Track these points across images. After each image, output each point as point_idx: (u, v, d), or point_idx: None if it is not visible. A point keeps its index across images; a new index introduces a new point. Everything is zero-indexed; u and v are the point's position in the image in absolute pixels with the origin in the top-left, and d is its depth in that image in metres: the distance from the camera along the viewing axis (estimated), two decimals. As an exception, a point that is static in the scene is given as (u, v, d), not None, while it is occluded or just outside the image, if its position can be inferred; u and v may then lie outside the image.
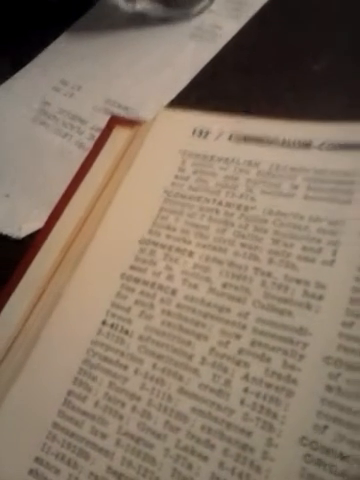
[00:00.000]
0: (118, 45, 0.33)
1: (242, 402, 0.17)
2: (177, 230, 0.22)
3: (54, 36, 0.34)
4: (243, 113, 0.25)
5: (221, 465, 0.16)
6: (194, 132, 0.25)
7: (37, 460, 0.18)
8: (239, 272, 0.20)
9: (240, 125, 0.24)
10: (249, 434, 0.16)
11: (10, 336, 0.21)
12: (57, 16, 0.35)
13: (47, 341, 0.21)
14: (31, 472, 0.18)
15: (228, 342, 0.18)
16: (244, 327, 0.18)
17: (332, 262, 0.19)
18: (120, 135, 0.27)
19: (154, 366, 0.19)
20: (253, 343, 0.18)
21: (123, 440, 0.18)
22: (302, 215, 0.20)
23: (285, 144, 0.23)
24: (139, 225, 0.23)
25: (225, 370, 0.18)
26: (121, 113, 0.29)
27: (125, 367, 0.19)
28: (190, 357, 0.18)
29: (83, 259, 0.22)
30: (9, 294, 0.23)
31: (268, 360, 0.17)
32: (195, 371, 0.18)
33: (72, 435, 0.18)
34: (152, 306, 0.20)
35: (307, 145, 0.22)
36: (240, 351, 0.18)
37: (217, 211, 0.22)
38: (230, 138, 0.24)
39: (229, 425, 0.17)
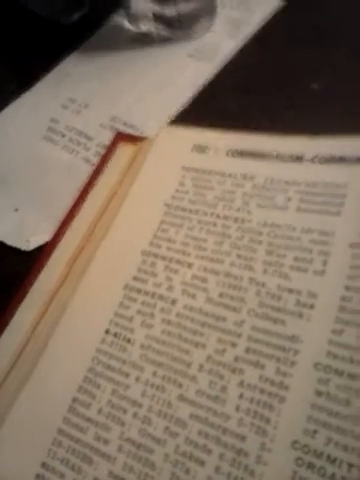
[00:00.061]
0: (123, 64, 0.33)
1: (237, 408, 0.18)
2: (177, 242, 0.22)
3: (63, 56, 0.35)
4: (241, 129, 0.25)
5: (217, 469, 0.17)
6: (194, 148, 0.26)
7: (43, 465, 0.19)
8: (235, 282, 0.20)
9: (237, 140, 0.25)
10: (244, 439, 0.17)
11: (19, 345, 0.22)
12: (66, 38, 0.36)
13: (54, 350, 0.21)
14: (38, 477, 0.18)
15: (224, 350, 0.19)
16: (239, 335, 0.19)
17: (323, 272, 0.19)
18: (124, 151, 0.28)
19: (154, 374, 0.19)
20: (248, 351, 0.19)
21: (125, 446, 0.18)
22: (295, 227, 0.21)
23: (279, 158, 0.23)
24: (141, 237, 0.23)
25: (221, 377, 0.18)
26: (126, 130, 0.29)
27: (127, 375, 0.19)
28: (188, 365, 0.19)
29: (88, 271, 0.23)
30: (18, 305, 0.23)
31: (262, 367, 0.18)
32: (193, 378, 0.19)
33: (77, 441, 0.19)
34: (153, 316, 0.21)
35: (299, 158, 0.23)
36: (236, 359, 0.19)
37: (215, 224, 0.22)
38: (227, 153, 0.25)
39: (225, 430, 0.17)
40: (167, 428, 0.18)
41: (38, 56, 0.36)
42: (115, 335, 0.21)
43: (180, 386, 0.19)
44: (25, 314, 0.23)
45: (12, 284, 0.24)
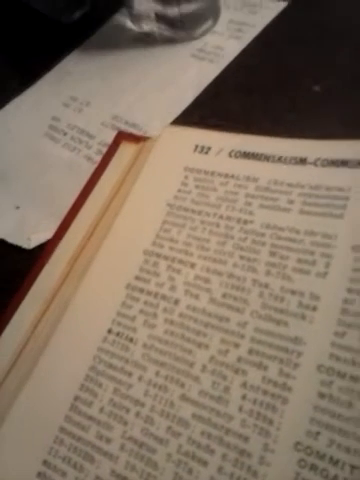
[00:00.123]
0: (125, 63, 0.33)
1: (240, 409, 0.18)
2: (179, 242, 0.23)
3: (64, 55, 0.35)
4: (243, 131, 0.25)
5: (220, 470, 0.17)
6: (196, 148, 0.26)
7: (45, 463, 0.19)
8: (238, 283, 0.20)
9: (240, 142, 0.25)
10: (247, 440, 0.17)
11: (20, 343, 0.22)
12: (68, 36, 0.36)
13: (55, 348, 0.21)
14: (39, 475, 0.18)
15: (227, 351, 0.19)
16: (243, 336, 0.19)
17: (325, 274, 0.19)
18: (126, 150, 0.27)
19: (157, 373, 0.19)
20: (251, 352, 0.19)
21: (127, 445, 0.18)
22: (298, 229, 0.21)
23: (282, 160, 0.24)
24: (143, 237, 0.23)
25: (224, 378, 0.18)
26: (127, 129, 0.30)
27: (129, 374, 0.20)
28: (191, 365, 0.19)
29: (90, 269, 0.23)
30: (19, 303, 0.23)
31: (265, 368, 0.18)
32: (196, 378, 0.19)
33: (78, 439, 0.19)
34: (155, 315, 0.21)
35: (303, 161, 0.23)
36: (239, 359, 0.19)
37: (218, 224, 0.23)
38: (230, 154, 0.25)
39: (228, 431, 0.17)
40: (170, 428, 0.18)
41: (40, 54, 0.36)
42: (117, 334, 0.21)
43: (183, 386, 0.19)
44: (26, 312, 0.23)
45: (13, 282, 0.24)
